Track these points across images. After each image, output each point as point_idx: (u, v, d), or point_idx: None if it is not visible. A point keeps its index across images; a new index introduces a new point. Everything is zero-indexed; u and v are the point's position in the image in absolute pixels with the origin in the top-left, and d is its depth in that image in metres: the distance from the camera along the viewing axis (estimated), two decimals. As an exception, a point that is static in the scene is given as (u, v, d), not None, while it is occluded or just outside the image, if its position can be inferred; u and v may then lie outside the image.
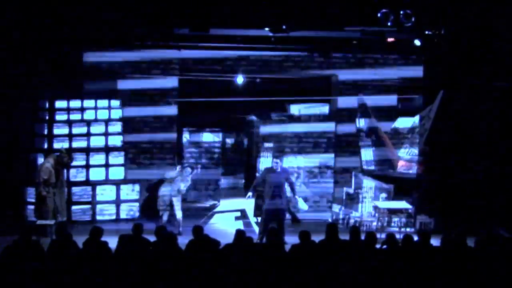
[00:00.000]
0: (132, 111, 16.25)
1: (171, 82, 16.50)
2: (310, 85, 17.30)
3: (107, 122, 15.81)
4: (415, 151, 15.89)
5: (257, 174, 16.34)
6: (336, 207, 16.16)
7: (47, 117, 15.45)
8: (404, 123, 16.33)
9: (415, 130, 16.10)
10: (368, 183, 15.79)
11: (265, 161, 16.31)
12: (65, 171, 14.40)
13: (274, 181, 13.77)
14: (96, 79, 15.89)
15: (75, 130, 15.52)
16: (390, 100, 16.92)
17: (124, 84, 16.27)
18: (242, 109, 17.96)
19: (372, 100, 16.45)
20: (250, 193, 14.56)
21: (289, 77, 16.93)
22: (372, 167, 16.22)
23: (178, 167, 14.95)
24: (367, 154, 16.29)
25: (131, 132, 16.28)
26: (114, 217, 15.69)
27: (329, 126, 16.54)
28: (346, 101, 16.90)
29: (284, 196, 13.84)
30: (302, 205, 14.58)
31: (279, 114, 17.14)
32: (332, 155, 16.45)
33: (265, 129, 16.50)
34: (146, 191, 15.98)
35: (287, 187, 13.96)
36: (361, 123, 16.34)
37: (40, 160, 14.87)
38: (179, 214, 14.53)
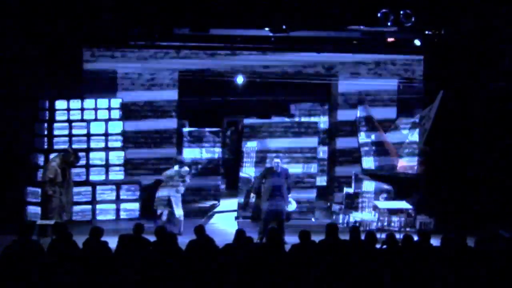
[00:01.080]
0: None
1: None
2: (310, 88, 17.32)
3: (107, 122, 15.81)
4: (415, 154, 15.92)
5: (241, 175, 16.33)
6: (336, 207, 16.16)
7: (47, 117, 15.44)
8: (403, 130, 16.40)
9: (415, 129, 16.11)
10: (368, 184, 15.79)
11: (248, 164, 16.33)
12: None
13: (275, 180, 13.81)
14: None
15: (75, 130, 15.51)
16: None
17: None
18: (242, 109, 17.94)
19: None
20: (252, 195, 14.53)
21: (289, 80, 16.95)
22: (371, 164, 16.22)
23: (176, 166, 14.94)
24: (368, 162, 16.31)
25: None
26: (114, 217, 15.69)
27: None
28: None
29: (285, 196, 13.89)
30: (293, 204, 14.70)
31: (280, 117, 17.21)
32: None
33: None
34: (145, 191, 15.97)
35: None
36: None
37: (41, 160, 14.90)
38: (179, 214, 14.51)
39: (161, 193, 14.66)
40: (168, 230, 10.70)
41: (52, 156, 14.55)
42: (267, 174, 14.06)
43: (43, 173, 13.67)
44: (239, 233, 10.04)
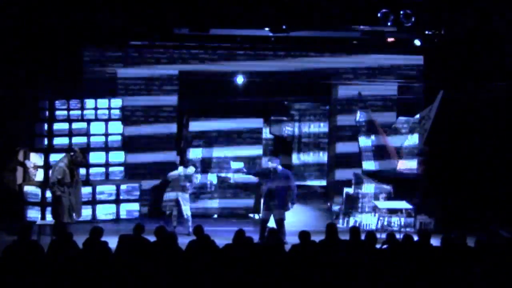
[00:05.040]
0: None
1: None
2: (309, 87, 17.34)
3: (107, 121, 15.81)
4: (415, 154, 15.94)
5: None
6: (336, 208, 16.15)
7: (47, 117, 15.44)
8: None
9: (415, 129, 16.12)
10: (368, 183, 15.78)
11: (194, 153, 16.52)
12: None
13: (274, 183, 13.86)
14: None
15: (75, 130, 15.52)
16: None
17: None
18: (242, 109, 17.97)
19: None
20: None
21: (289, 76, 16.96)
22: (372, 167, 16.23)
23: (180, 168, 14.97)
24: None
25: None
26: (114, 217, 15.70)
27: (258, 122, 16.78)
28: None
29: (284, 200, 13.92)
30: None
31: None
32: (260, 150, 16.60)
33: (194, 125, 16.56)
34: (154, 191, 16.02)
35: None
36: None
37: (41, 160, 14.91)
38: (187, 213, 14.48)
39: (169, 193, 14.69)
40: (177, 231, 10.69)
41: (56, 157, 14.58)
42: (265, 176, 14.09)
43: (51, 174, 13.69)
44: (239, 233, 10.04)
